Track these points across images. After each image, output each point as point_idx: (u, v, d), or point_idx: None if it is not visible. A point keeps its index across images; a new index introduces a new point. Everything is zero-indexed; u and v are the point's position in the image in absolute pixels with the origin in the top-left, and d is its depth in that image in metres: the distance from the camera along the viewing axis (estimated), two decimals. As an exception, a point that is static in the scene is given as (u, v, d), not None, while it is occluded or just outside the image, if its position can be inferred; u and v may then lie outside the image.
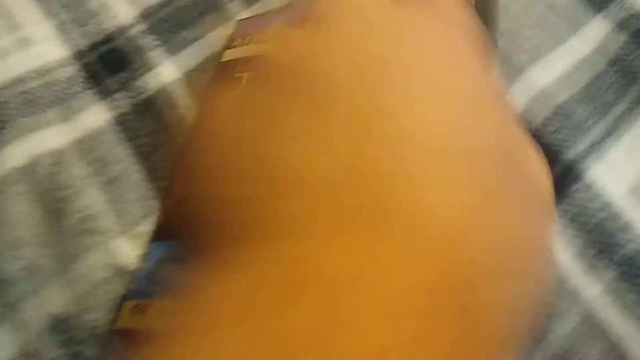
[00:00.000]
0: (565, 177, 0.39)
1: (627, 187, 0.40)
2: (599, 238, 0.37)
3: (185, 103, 0.40)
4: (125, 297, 0.32)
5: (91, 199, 0.36)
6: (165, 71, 0.41)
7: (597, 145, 0.41)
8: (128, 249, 0.34)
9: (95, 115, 0.39)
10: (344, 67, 0.19)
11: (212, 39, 0.43)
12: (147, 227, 0.35)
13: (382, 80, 0.19)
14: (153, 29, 0.43)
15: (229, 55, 0.41)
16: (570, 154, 0.40)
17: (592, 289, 0.35)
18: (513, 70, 0.43)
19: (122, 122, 0.39)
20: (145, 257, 0.33)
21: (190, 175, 0.22)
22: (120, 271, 0.34)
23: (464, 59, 0.21)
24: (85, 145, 0.38)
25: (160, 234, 0.34)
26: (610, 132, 0.41)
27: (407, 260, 0.16)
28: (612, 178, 0.40)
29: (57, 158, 0.37)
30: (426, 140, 0.18)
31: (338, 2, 0.21)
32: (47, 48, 0.41)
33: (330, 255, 0.16)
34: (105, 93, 0.40)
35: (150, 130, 0.39)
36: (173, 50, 0.42)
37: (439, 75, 0.19)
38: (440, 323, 0.16)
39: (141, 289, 0.32)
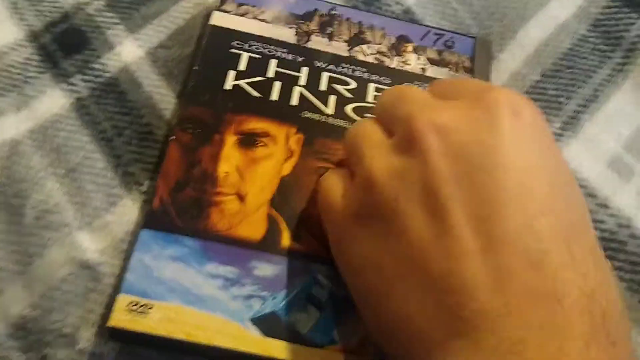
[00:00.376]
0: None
1: (604, 161, 0.39)
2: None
3: (150, 82, 0.38)
4: (117, 290, 0.30)
5: (49, 191, 0.34)
6: (126, 50, 0.39)
7: (571, 123, 0.40)
8: (91, 242, 0.33)
9: (52, 101, 0.37)
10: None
11: (176, 13, 0.41)
12: (111, 217, 0.34)
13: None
14: (111, 6, 0.40)
15: (220, 19, 0.39)
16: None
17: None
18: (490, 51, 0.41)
19: (81, 107, 0.37)
20: (137, 244, 0.31)
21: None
22: (85, 266, 0.32)
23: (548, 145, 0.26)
24: (42, 134, 0.36)
25: (154, 221, 0.32)
26: (588, 105, 0.40)
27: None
28: (588, 155, 0.39)
29: (12, 149, 0.35)
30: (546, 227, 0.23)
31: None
32: (-2, 31, 0.39)
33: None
34: (62, 77, 0.38)
35: (112, 114, 0.37)
36: (133, 27, 0.40)
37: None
38: None
39: (139, 284, 0.30)
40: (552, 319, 0.21)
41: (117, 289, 0.31)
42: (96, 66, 0.38)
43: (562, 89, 0.41)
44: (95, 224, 0.33)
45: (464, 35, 0.41)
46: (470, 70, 0.40)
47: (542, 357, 0.21)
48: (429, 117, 0.26)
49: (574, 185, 0.26)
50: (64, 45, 0.39)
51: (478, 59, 0.40)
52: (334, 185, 0.29)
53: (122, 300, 0.30)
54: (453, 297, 0.22)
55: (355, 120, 0.36)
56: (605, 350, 0.21)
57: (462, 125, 0.25)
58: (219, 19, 0.39)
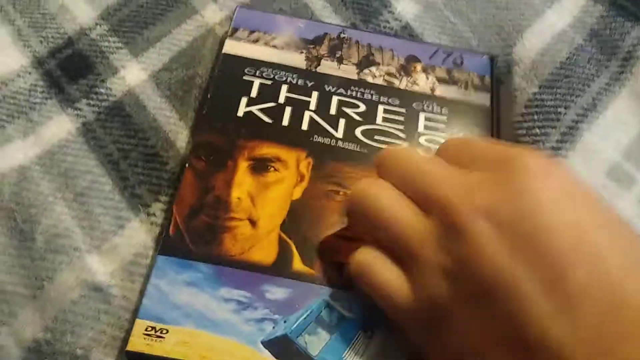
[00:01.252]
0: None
1: (604, 170, 0.39)
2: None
3: (154, 104, 0.38)
4: (135, 315, 0.31)
5: (58, 216, 0.34)
6: (130, 74, 0.39)
7: (570, 134, 0.40)
8: (100, 265, 0.33)
9: (58, 127, 0.37)
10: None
11: (178, 35, 0.41)
12: (120, 239, 0.34)
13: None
14: (114, 31, 0.41)
15: (232, 47, 0.40)
16: (544, 148, 0.39)
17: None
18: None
19: (87, 132, 0.37)
20: (153, 270, 0.32)
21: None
22: (95, 288, 0.33)
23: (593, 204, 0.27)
24: (49, 159, 0.36)
25: (170, 247, 0.33)
26: (586, 114, 0.41)
27: None
28: (587, 165, 0.39)
29: (20, 175, 0.35)
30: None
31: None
32: (2, 58, 0.39)
33: None
34: (67, 102, 0.38)
35: (118, 137, 0.37)
36: (137, 50, 0.40)
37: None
38: None
39: (155, 309, 0.31)
40: None
41: (134, 313, 0.31)
42: (101, 90, 0.39)
43: (561, 99, 0.41)
44: (104, 247, 0.34)
45: (472, 52, 0.42)
46: (480, 88, 0.40)
47: None
48: (468, 201, 0.26)
49: (626, 224, 0.27)
50: (68, 71, 0.39)
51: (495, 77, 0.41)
52: (388, 280, 0.29)
53: (140, 325, 0.30)
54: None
55: (364, 143, 0.37)
56: None
57: (502, 201, 0.26)
58: (231, 47, 0.40)
